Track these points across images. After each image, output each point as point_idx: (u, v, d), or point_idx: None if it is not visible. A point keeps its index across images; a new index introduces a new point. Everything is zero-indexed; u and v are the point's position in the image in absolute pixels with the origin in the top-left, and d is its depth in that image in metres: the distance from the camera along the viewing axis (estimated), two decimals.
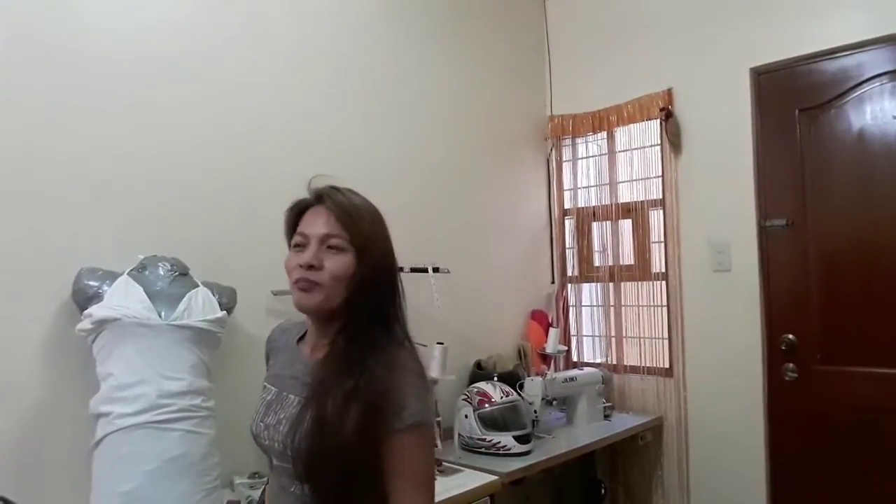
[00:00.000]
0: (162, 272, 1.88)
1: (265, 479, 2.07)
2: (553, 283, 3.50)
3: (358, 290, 1.15)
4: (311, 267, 1.14)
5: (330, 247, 1.15)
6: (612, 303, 3.32)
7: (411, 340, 1.21)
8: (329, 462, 1.07)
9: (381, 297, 1.18)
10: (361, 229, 1.16)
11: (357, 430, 1.06)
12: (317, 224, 1.17)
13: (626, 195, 3.27)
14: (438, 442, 2.54)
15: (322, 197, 1.19)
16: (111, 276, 1.84)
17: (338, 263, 1.14)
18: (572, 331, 3.46)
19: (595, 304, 3.43)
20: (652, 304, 3.16)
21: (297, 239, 1.18)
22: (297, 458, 1.10)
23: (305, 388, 1.16)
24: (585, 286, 3.46)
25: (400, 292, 1.21)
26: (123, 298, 1.78)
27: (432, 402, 1.15)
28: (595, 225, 3.39)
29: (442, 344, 2.58)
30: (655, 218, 3.16)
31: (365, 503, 1.09)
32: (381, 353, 1.14)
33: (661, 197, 3.11)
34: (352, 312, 1.16)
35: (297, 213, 1.22)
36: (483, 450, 2.48)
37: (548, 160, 3.53)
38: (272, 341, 1.39)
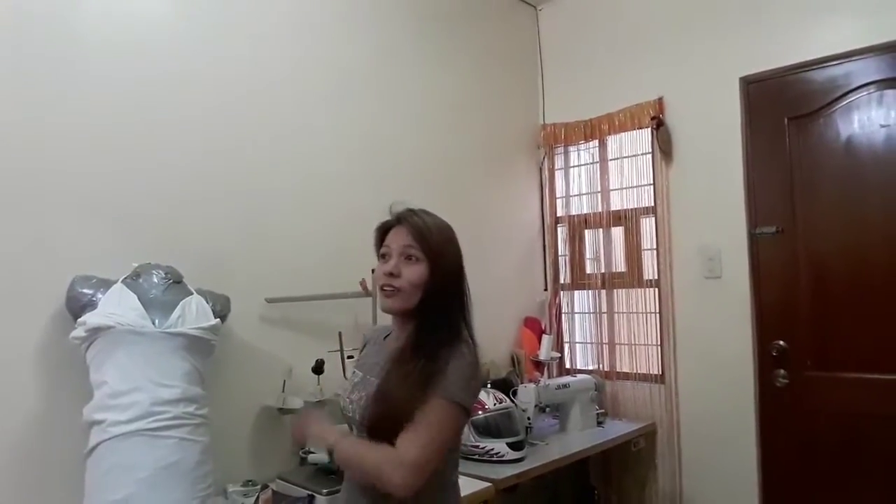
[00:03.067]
0: (156, 280, 1.88)
1: (258, 486, 2.08)
2: (546, 290, 3.52)
3: (431, 293, 1.40)
4: (391, 275, 1.40)
5: (408, 257, 1.41)
6: (604, 310, 3.33)
7: (473, 336, 1.44)
8: (386, 425, 1.31)
9: (450, 299, 1.43)
10: (432, 243, 1.42)
11: (407, 398, 1.31)
12: (397, 240, 1.43)
13: (617, 203, 3.29)
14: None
15: (401, 218, 1.45)
16: (105, 284, 1.83)
17: (413, 271, 1.40)
18: (565, 338, 3.48)
19: (587, 311, 3.44)
20: (644, 310, 3.18)
21: (383, 250, 1.46)
22: (368, 423, 1.37)
23: (383, 371, 1.42)
24: (578, 293, 3.48)
25: (467, 296, 1.47)
26: (117, 306, 1.78)
27: (477, 391, 1.46)
28: (587, 232, 3.41)
29: None
30: (647, 225, 3.18)
31: None
32: (445, 346, 1.37)
33: (652, 204, 3.13)
34: (425, 311, 1.41)
35: (383, 232, 1.48)
36: (476, 457, 2.48)
37: (540, 168, 3.55)
38: (367, 337, 1.67)
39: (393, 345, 1.48)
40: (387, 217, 1.48)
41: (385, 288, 1.42)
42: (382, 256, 1.45)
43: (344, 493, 1.50)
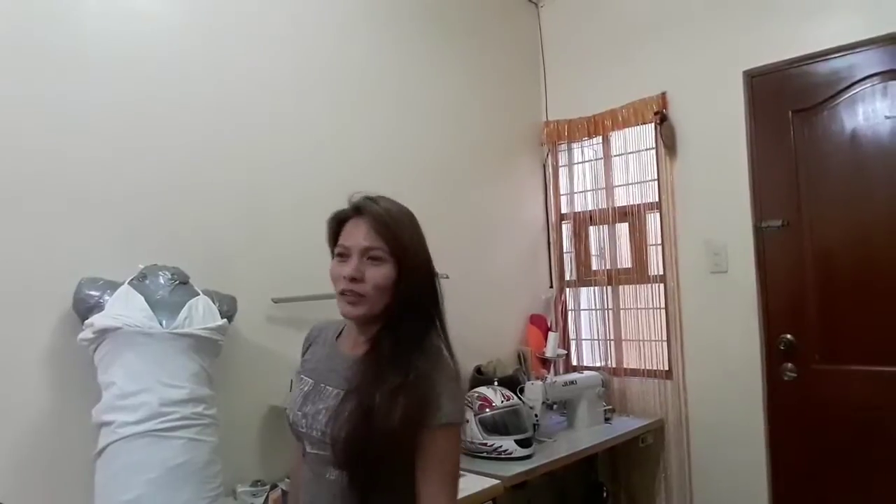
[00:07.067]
0: (162, 281, 1.88)
1: (267, 486, 2.08)
2: (551, 287, 3.51)
3: (403, 295, 1.23)
4: (353, 279, 1.21)
5: (370, 258, 1.22)
6: (610, 306, 3.33)
7: (449, 341, 1.28)
8: (368, 449, 1.15)
9: (424, 300, 1.27)
10: (400, 239, 1.23)
11: (402, 422, 1.15)
12: (357, 236, 1.24)
13: (622, 199, 3.29)
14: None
15: (360, 209, 1.26)
16: (112, 286, 1.84)
17: (378, 274, 1.22)
18: (571, 335, 3.47)
19: (593, 307, 3.44)
20: (650, 306, 3.18)
21: (339, 250, 1.26)
22: (335, 445, 1.18)
23: (345, 381, 1.25)
24: (584, 290, 3.47)
25: (440, 294, 1.29)
26: (124, 307, 1.78)
27: (464, 402, 1.29)
28: (592, 229, 3.40)
29: None
30: (652, 221, 3.18)
31: (395, 489, 1.18)
32: (425, 354, 1.23)
33: (657, 200, 3.12)
34: (398, 314, 1.24)
35: (337, 224, 1.29)
36: (485, 454, 2.49)
37: (544, 165, 3.55)
38: (311, 337, 1.48)
39: (351, 350, 1.31)
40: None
41: (346, 293, 1.22)
42: (339, 255, 1.25)
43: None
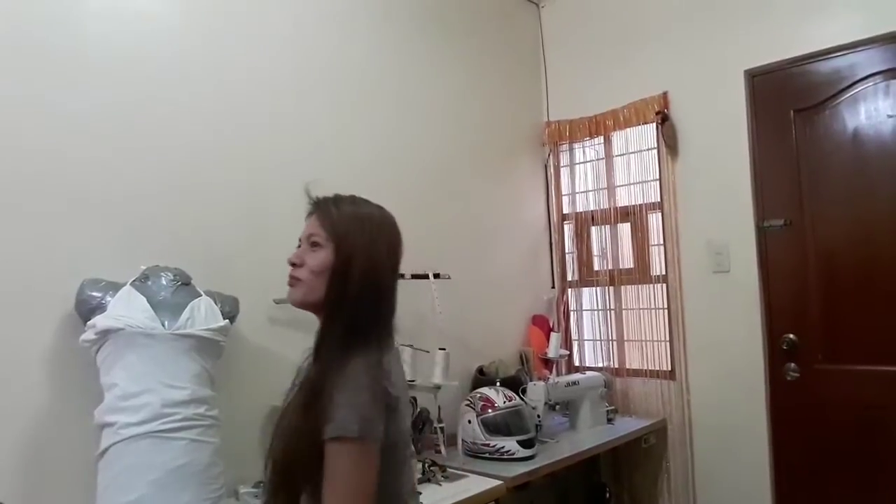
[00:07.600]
0: (164, 282, 1.88)
1: None
2: (553, 287, 3.51)
3: (332, 283, 1.19)
4: (293, 265, 1.24)
5: (311, 244, 1.23)
6: (612, 306, 3.33)
7: (384, 352, 1.19)
8: (279, 461, 1.14)
9: (358, 295, 1.19)
10: (338, 226, 1.22)
11: (290, 430, 1.13)
12: (306, 228, 1.27)
13: (624, 199, 3.29)
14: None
15: (315, 205, 1.29)
16: (114, 287, 1.84)
17: (314, 258, 1.21)
18: (573, 335, 3.47)
19: (596, 307, 3.43)
20: (652, 306, 3.17)
21: (297, 244, 1.29)
22: (269, 453, 1.18)
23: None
24: (586, 290, 3.47)
25: (385, 297, 1.23)
26: (126, 308, 1.78)
27: (373, 415, 1.10)
28: (594, 229, 3.40)
29: (444, 350, 2.58)
30: (654, 221, 3.17)
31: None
32: (340, 353, 1.14)
33: (659, 200, 3.12)
34: (328, 306, 1.20)
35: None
36: (487, 455, 2.48)
37: (546, 166, 3.54)
38: None
39: None
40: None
41: (288, 279, 1.24)
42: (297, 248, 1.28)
43: None
